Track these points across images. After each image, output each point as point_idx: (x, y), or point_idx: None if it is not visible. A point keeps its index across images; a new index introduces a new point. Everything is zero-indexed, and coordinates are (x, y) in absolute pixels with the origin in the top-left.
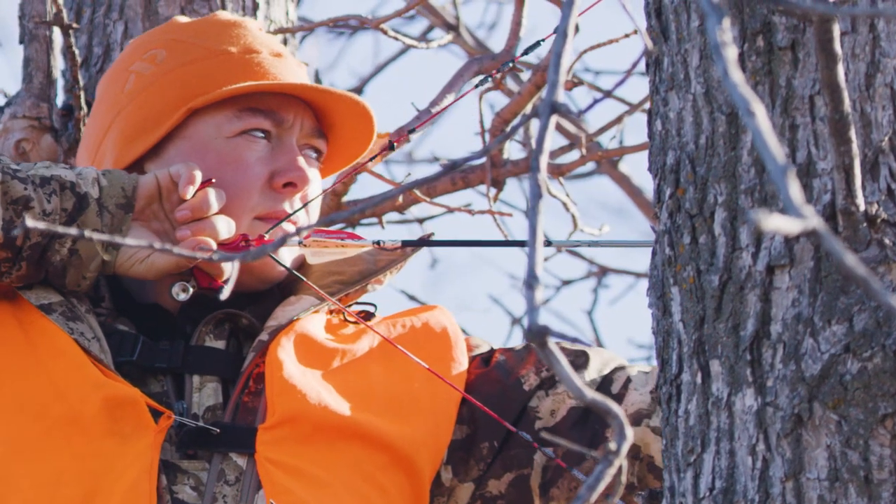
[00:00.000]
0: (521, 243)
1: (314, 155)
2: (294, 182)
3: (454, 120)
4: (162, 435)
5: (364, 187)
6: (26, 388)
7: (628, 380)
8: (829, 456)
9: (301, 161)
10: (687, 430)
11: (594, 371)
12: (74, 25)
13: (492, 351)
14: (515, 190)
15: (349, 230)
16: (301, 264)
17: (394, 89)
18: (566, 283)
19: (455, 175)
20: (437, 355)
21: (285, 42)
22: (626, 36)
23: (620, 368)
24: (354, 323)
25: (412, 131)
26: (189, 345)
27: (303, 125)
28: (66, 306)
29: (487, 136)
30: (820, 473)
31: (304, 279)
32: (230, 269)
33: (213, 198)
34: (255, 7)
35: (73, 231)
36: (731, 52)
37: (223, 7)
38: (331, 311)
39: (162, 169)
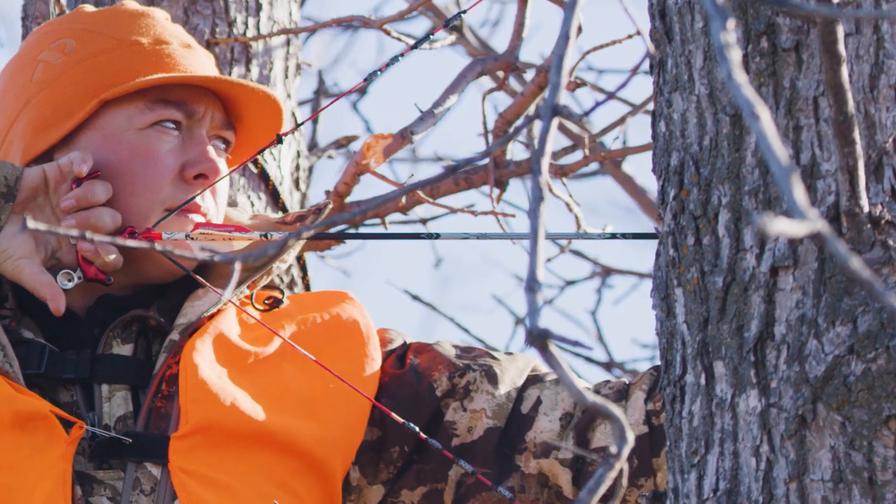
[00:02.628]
0: (415, 235)
1: (223, 146)
2: (205, 173)
3: (457, 120)
4: (73, 446)
5: (366, 188)
6: None
7: (538, 401)
8: (832, 457)
9: (212, 152)
10: (691, 432)
11: (508, 384)
12: None
13: (406, 347)
14: (519, 190)
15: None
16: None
17: (397, 90)
18: (570, 283)
19: (458, 176)
20: (350, 353)
21: (288, 42)
22: (629, 37)
23: (533, 381)
24: (265, 309)
25: (413, 133)
26: (96, 353)
27: (213, 117)
28: None
29: (490, 137)
30: (824, 475)
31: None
32: (116, 261)
33: (100, 189)
34: (259, 7)
35: (73, 231)
36: (736, 55)
37: (226, 9)
38: (241, 302)
39: (51, 162)
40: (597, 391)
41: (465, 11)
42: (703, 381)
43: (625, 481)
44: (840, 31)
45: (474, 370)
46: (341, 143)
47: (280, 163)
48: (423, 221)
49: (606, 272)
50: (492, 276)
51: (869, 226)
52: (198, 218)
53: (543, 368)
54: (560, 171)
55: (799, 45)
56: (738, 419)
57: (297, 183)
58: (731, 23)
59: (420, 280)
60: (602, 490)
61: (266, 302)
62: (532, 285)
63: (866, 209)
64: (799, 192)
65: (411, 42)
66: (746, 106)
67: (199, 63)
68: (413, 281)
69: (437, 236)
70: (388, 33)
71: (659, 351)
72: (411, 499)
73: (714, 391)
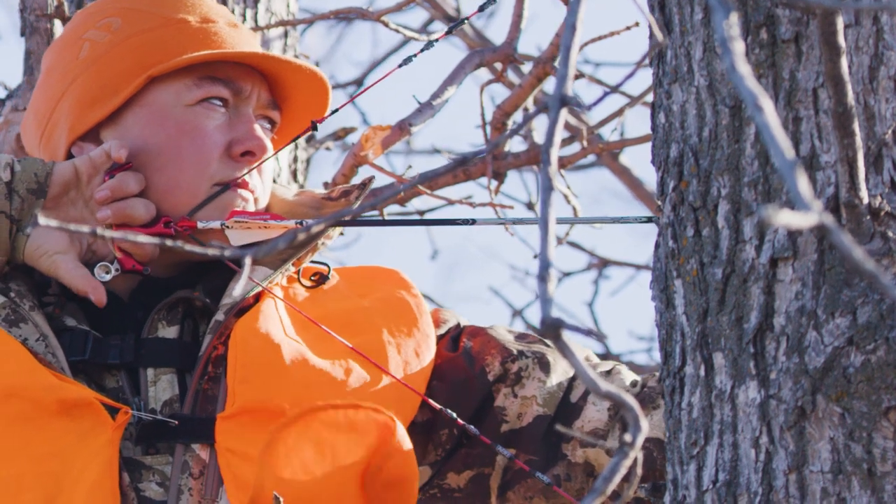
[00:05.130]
0: (451, 221)
1: (268, 126)
2: (252, 150)
3: (455, 112)
4: (120, 431)
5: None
6: None
7: (588, 390)
8: (832, 448)
9: (258, 130)
10: (690, 423)
11: (560, 373)
12: None
13: (459, 330)
14: (516, 182)
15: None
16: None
17: (395, 81)
18: (567, 274)
19: (456, 168)
20: (401, 334)
21: (286, 34)
22: (628, 28)
23: None
24: (311, 286)
25: (411, 125)
26: (140, 337)
27: (259, 96)
28: (9, 308)
29: (488, 129)
30: (823, 466)
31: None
32: (153, 251)
33: (132, 181)
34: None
35: (84, 228)
36: (739, 47)
37: (224, 1)
38: (289, 279)
39: (82, 155)
40: (644, 384)
41: (484, 7)
42: (702, 372)
43: (639, 469)
44: (839, 22)
45: (527, 357)
46: (339, 135)
47: (278, 154)
48: (421, 213)
49: (603, 263)
50: (489, 267)
51: (868, 217)
52: (246, 194)
53: (595, 358)
54: (558, 163)
55: (798, 36)
56: (737, 410)
57: (294, 174)
58: (734, 15)
59: (418, 272)
60: (617, 478)
61: (312, 278)
62: (544, 274)
63: (866, 201)
64: (803, 184)
65: (408, 34)
66: (750, 98)
67: (245, 42)
68: (411, 273)
69: (473, 222)
70: (385, 25)
71: (658, 342)
72: (457, 482)
73: (713, 382)
